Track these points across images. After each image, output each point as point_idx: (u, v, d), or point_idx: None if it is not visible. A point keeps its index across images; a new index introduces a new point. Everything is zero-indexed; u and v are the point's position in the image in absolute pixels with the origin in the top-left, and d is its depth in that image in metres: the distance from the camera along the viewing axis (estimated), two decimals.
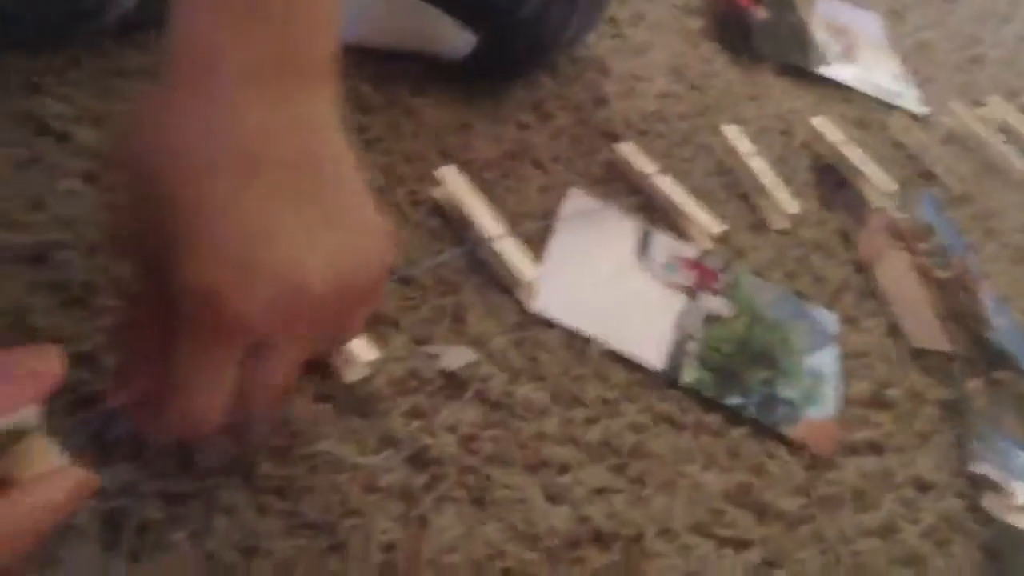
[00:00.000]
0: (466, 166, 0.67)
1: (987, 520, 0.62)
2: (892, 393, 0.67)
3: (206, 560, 0.42)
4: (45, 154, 0.53)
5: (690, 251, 0.70)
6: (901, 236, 0.82)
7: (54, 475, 0.33)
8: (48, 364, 0.34)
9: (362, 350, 0.50)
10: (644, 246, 0.69)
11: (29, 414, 0.33)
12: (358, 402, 0.51)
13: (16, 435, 0.33)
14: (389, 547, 0.46)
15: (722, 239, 0.72)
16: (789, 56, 0.98)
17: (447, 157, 0.67)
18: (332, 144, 0.39)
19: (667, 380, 0.60)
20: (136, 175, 0.36)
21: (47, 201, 0.51)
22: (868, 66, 1.03)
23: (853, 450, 0.62)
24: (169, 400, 0.37)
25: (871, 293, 0.75)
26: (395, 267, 0.58)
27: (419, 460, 0.50)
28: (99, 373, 0.45)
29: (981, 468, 0.65)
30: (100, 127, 0.56)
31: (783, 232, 0.76)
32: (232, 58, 0.35)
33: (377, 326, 0.54)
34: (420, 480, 0.49)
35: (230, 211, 0.35)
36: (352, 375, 0.51)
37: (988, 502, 0.63)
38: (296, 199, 0.36)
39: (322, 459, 0.47)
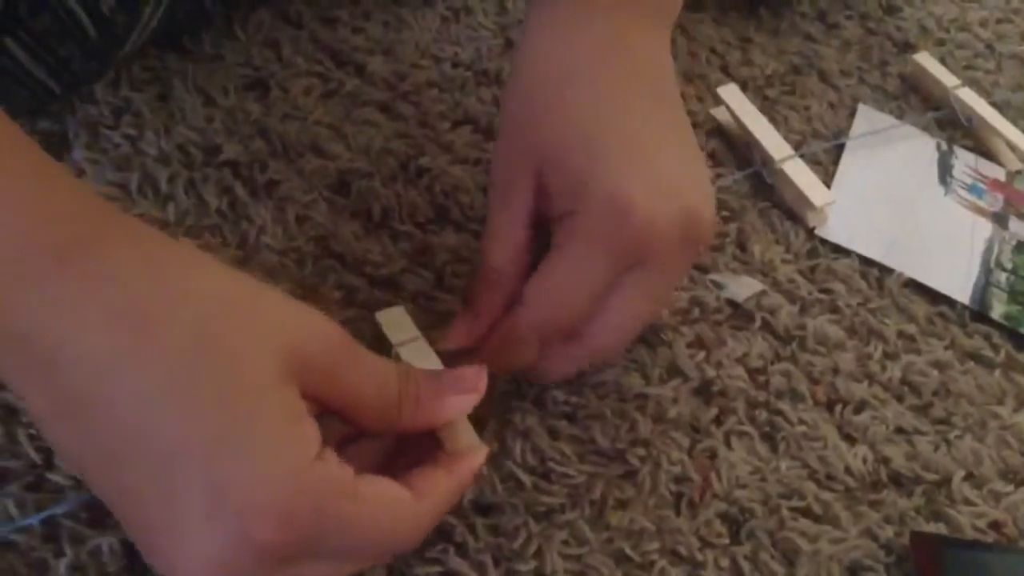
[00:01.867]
0: (748, 84, 0.63)
1: None
2: None
3: (503, 480, 0.43)
4: (344, 85, 0.55)
5: (997, 172, 0.64)
6: None
7: (471, 454, 0.36)
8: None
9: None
10: (945, 167, 0.63)
11: None
12: (643, 331, 0.50)
13: None
14: (679, 479, 0.45)
15: None
16: None
17: (727, 75, 0.64)
18: (671, 76, 0.44)
19: (974, 314, 0.55)
20: (534, 104, 0.41)
21: (346, 130, 0.53)
22: None
23: None
24: (531, 310, 0.40)
25: None
26: None
27: (706, 392, 0.48)
28: (403, 297, 0.47)
29: None
30: (390, 57, 0.57)
31: None
32: None
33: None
34: (708, 413, 0.48)
35: (642, 134, 0.40)
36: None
37: None
38: (677, 132, 0.42)
39: (609, 388, 0.47)
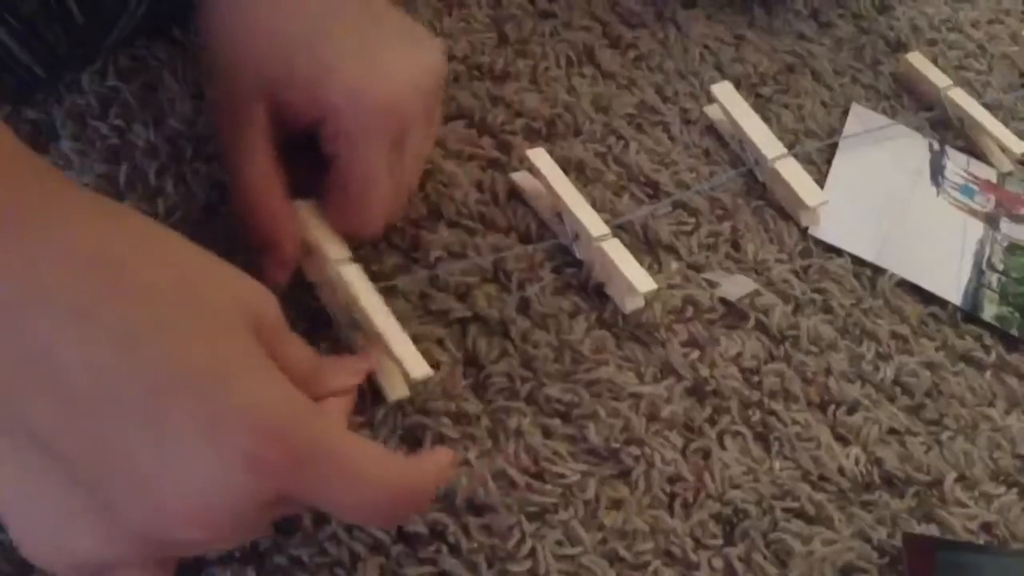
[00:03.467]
0: (741, 81, 0.63)
1: None
2: None
3: (495, 479, 0.42)
4: None
5: (989, 173, 0.64)
6: None
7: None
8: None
9: (640, 280, 0.49)
10: (937, 167, 0.63)
11: None
12: (636, 330, 0.49)
13: None
14: (673, 479, 0.45)
15: None
16: None
17: (720, 72, 0.64)
18: None
19: (965, 315, 0.55)
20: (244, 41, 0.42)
21: None
22: None
23: None
24: (363, 197, 0.43)
25: None
26: (668, 191, 0.56)
27: (700, 392, 0.48)
28: (395, 293, 0.46)
29: None
30: None
31: None
32: None
33: (654, 251, 0.53)
34: (702, 413, 0.47)
35: (358, 34, 0.43)
36: (630, 304, 0.49)
37: None
38: (380, 19, 0.45)
39: (603, 386, 0.47)
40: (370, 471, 0.30)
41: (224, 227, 0.46)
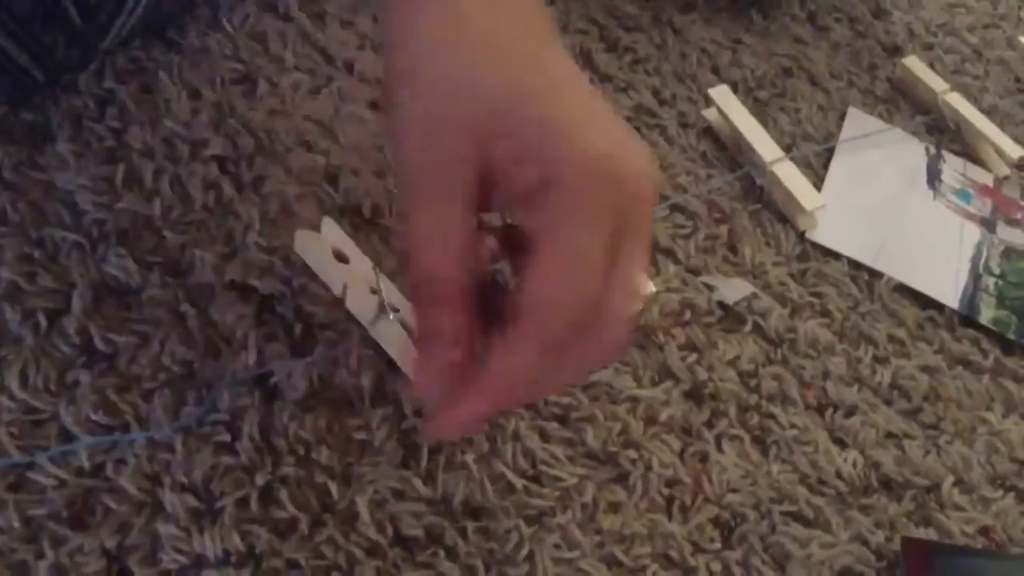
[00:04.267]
0: (738, 85, 0.63)
1: None
2: None
3: (493, 482, 0.42)
4: (332, 80, 0.54)
5: (985, 177, 0.64)
6: None
7: None
8: None
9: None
10: (933, 171, 0.63)
11: None
12: (634, 333, 0.49)
13: None
14: (670, 482, 0.45)
15: (1022, 164, 0.65)
16: None
17: (717, 75, 0.64)
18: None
19: (962, 318, 0.55)
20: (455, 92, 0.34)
21: (335, 126, 0.52)
22: None
23: None
24: (534, 308, 0.32)
25: None
26: (665, 194, 0.56)
27: (697, 395, 0.48)
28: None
29: None
30: (379, 52, 0.57)
31: None
32: None
33: (651, 254, 0.53)
34: (699, 416, 0.47)
35: (581, 91, 0.35)
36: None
37: None
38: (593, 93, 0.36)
39: (601, 390, 0.47)
40: None
41: (222, 228, 0.46)
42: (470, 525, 0.41)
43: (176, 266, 0.45)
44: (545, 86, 0.33)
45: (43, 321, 0.41)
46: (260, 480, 0.39)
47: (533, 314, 0.32)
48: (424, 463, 0.42)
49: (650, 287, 0.49)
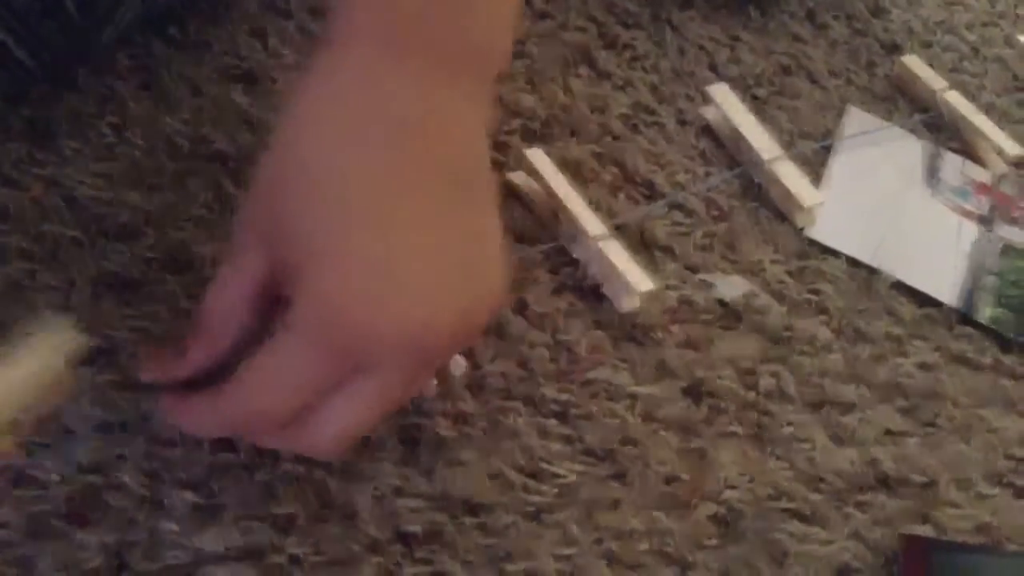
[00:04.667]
0: (737, 82, 0.63)
1: None
2: None
3: (492, 479, 0.42)
4: None
5: (984, 175, 0.64)
6: None
7: None
8: None
9: (638, 280, 0.49)
10: (932, 169, 0.63)
11: None
12: (632, 330, 0.49)
13: None
14: (669, 479, 0.45)
15: (1020, 162, 0.65)
16: None
17: (716, 73, 0.64)
18: (477, 149, 0.37)
19: (961, 316, 0.55)
20: (277, 180, 0.35)
21: None
22: None
23: None
24: (235, 393, 0.34)
25: None
26: (664, 191, 0.56)
27: (696, 392, 0.48)
28: None
29: None
30: None
31: None
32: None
33: (650, 252, 0.53)
34: (698, 413, 0.47)
35: (372, 226, 0.34)
36: (626, 305, 0.49)
37: None
38: (437, 215, 0.35)
39: (600, 386, 0.47)
40: None
41: (222, 227, 0.46)
42: (469, 521, 0.41)
43: (176, 262, 0.45)
44: (335, 223, 0.34)
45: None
46: (260, 477, 0.40)
47: (238, 385, 0.34)
48: (423, 460, 0.42)
49: (650, 284, 0.49)
